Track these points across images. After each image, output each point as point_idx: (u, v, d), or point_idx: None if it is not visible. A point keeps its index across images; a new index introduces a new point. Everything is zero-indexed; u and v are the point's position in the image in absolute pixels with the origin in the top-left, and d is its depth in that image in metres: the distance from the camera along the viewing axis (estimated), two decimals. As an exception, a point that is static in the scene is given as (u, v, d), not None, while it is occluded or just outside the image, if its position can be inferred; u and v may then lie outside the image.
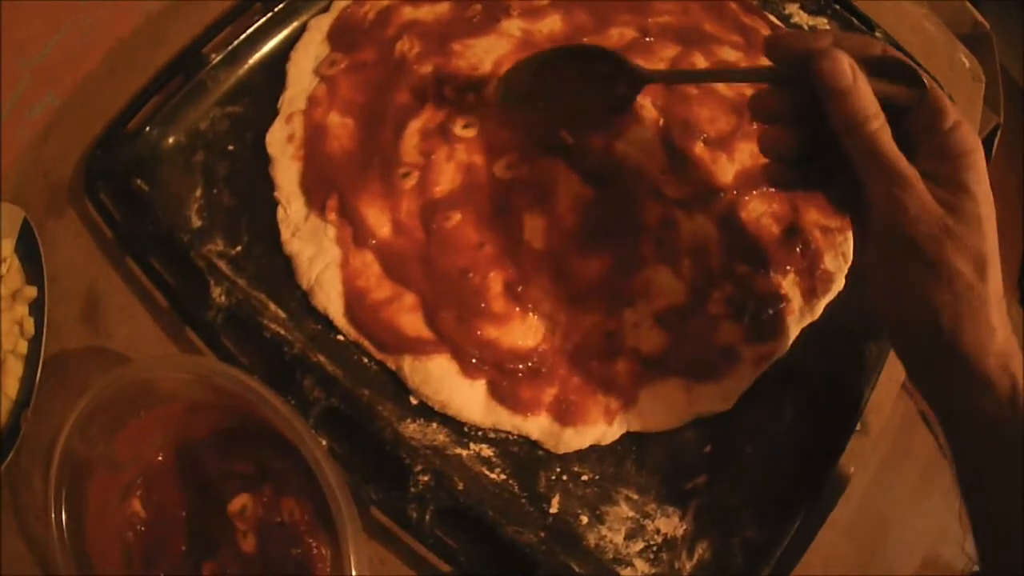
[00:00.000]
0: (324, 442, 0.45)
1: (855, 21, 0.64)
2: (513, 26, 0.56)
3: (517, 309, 0.48)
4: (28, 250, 0.52)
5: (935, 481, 0.76)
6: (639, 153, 0.52)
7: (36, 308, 0.51)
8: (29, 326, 0.50)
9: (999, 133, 0.73)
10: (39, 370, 0.49)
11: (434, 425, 0.47)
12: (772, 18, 0.62)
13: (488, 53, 0.54)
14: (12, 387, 0.48)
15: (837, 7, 0.64)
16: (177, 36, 0.57)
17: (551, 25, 0.56)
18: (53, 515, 0.41)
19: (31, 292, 0.51)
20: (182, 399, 0.46)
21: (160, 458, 0.47)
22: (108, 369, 0.44)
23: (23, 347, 0.49)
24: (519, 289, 0.48)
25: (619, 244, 0.50)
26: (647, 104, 0.54)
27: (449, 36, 0.54)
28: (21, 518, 0.46)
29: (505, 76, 0.51)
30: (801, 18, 0.64)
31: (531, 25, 0.56)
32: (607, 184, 0.51)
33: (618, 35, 0.56)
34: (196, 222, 0.51)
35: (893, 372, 0.52)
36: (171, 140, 0.53)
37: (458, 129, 0.51)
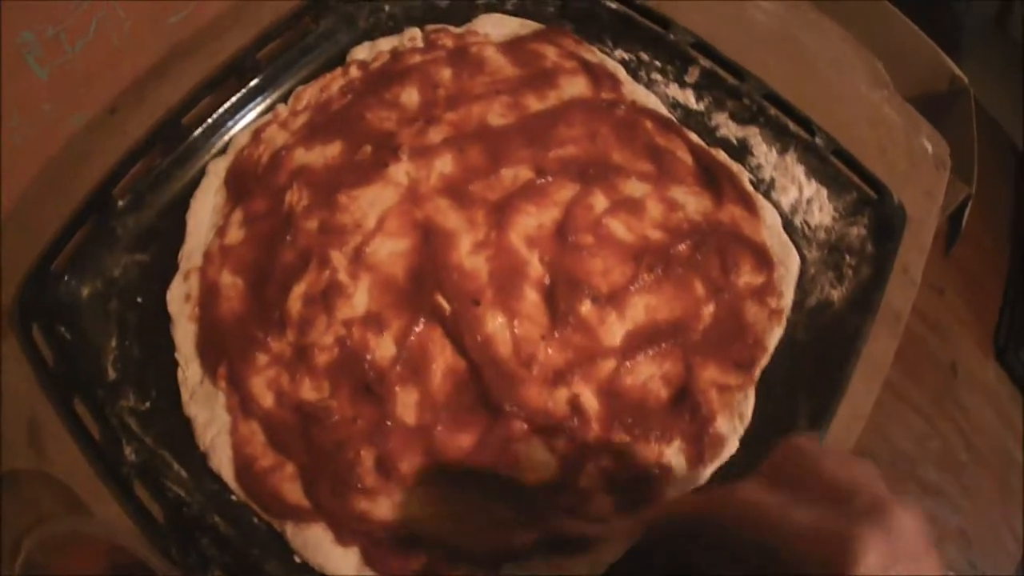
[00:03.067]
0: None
1: (792, 125, 0.59)
2: (400, 172, 0.56)
3: (388, 484, 0.52)
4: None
5: None
6: (519, 319, 0.53)
7: (-8, 427, 0.59)
8: (-13, 444, 0.59)
9: (969, 204, 0.69)
10: (-1, 486, 0.58)
11: (316, 582, 0.53)
12: (692, 136, 0.58)
13: (373, 206, 0.55)
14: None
15: (772, 112, 0.59)
16: (105, 154, 0.60)
17: (441, 167, 0.56)
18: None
19: (-14, 414, 0.59)
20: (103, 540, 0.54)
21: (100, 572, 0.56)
22: (52, 495, 0.54)
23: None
24: (388, 466, 0.52)
25: (491, 418, 0.52)
26: (533, 261, 0.54)
27: (336, 185, 0.55)
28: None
29: None
30: (729, 129, 0.61)
31: (420, 170, 0.56)
32: (482, 354, 0.52)
33: (512, 177, 0.55)
34: (111, 373, 0.57)
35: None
36: (89, 287, 0.58)
37: (339, 302, 0.53)
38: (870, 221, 0.59)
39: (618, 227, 0.56)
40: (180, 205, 0.58)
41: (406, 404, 0.53)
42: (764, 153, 0.61)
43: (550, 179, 0.55)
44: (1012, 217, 1.12)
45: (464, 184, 0.55)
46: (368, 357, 0.53)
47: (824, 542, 0.31)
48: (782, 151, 0.61)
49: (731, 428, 0.53)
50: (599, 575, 0.51)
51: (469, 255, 0.54)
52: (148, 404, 0.56)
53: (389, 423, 0.52)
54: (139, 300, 0.58)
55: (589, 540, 0.52)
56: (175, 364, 0.56)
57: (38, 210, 0.61)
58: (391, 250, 0.54)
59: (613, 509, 0.52)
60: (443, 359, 0.53)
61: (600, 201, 0.55)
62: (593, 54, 0.62)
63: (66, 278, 0.58)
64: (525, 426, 0.52)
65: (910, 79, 0.67)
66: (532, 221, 0.55)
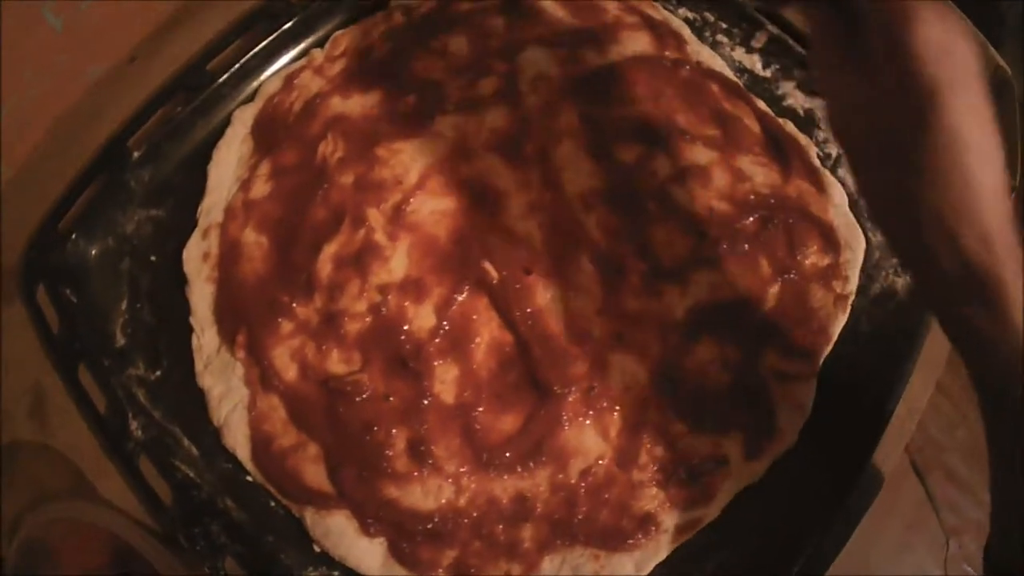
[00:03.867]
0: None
1: None
2: (447, 125, 0.51)
3: (421, 470, 0.47)
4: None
5: (920, 533, 0.75)
6: (573, 291, 0.48)
7: (-9, 398, 0.55)
8: (-15, 416, 0.54)
9: (1013, 196, 0.66)
10: (-2, 456, 0.54)
11: (336, 574, 0.48)
12: (760, 103, 0.54)
13: (415, 161, 0.51)
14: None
15: None
16: (121, 106, 0.56)
17: (492, 121, 0.51)
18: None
19: (-15, 383, 0.54)
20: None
21: (100, 561, 0.52)
22: (54, 471, 0.51)
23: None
24: (422, 448, 0.47)
25: (538, 399, 0.47)
26: (590, 226, 0.49)
27: (375, 137, 0.50)
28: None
29: None
30: (796, 99, 0.57)
31: (468, 124, 0.51)
32: (532, 329, 0.48)
33: (570, 134, 0.51)
34: (120, 339, 0.52)
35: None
36: (98, 246, 0.54)
37: (375, 265, 0.48)
38: None
39: (682, 195, 0.51)
40: (201, 157, 0.54)
41: (444, 381, 0.48)
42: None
43: (610, 139, 0.50)
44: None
45: (517, 141, 0.50)
46: (405, 327, 0.48)
47: None
48: None
49: (791, 421, 0.49)
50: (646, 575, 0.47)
51: (521, 219, 0.50)
52: (159, 373, 0.52)
53: (425, 401, 0.47)
54: (152, 259, 0.54)
55: (635, 539, 0.47)
56: (189, 330, 0.52)
57: (48, 166, 0.57)
58: (434, 209, 0.50)
59: (666, 504, 0.47)
60: (487, 332, 0.48)
61: (664, 166, 0.50)
62: (656, 10, 0.58)
63: (74, 236, 0.53)
64: (578, 405, 0.47)
65: None
66: (591, 183, 0.50)
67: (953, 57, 0.32)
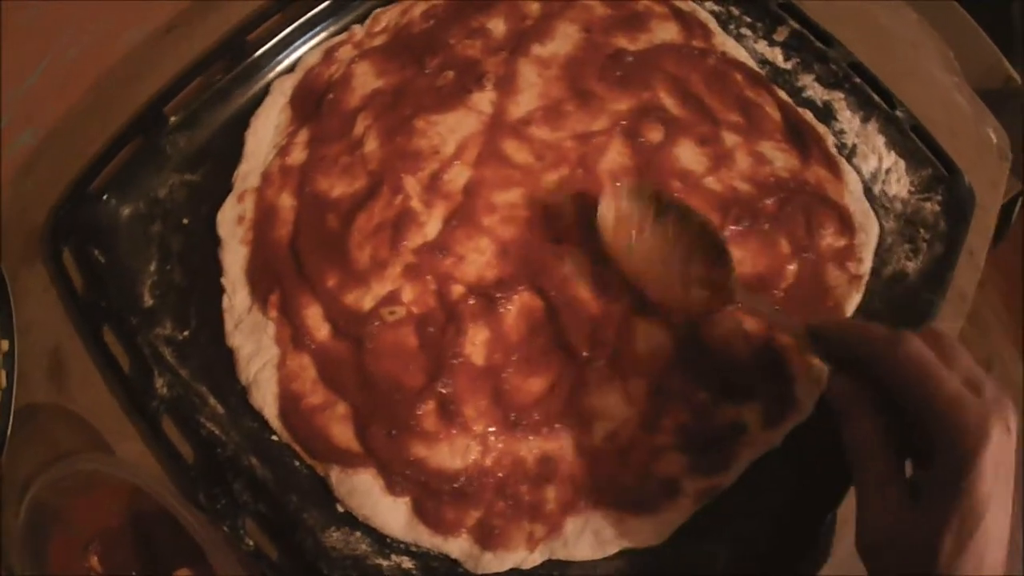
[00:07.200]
0: (251, 541, 0.49)
1: (875, 96, 0.61)
2: (484, 100, 0.54)
3: (449, 429, 0.49)
4: (1, 303, 0.56)
5: None
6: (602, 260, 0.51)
7: (7, 360, 0.55)
8: (1, 378, 0.55)
9: (1021, 200, 0.71)
10: (11, 420, 0.54)
11: (358, 534, 0.49)
12: (781, 93, 0.58)
13: (453, 132, 0.54)
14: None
15: (857, 80, 0.60)
16: (157, 73, 0.59)
17: (528, 99, 0.54)
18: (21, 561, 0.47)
19: (3, 345, 0.55)
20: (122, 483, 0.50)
21: (116, 523, 0.52)
22: (71, 432, 0.52)
23: (-6, 397, 0.54)
24: (452, 408, 0.48)
25: (566, 362, 0.49)
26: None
27: (414, 110, 0.53)
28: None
29: None
30: (815, 91, 0.61)
31: (504, 100, 0.54)
32: (562, 294, 0.50)
33: (601, 114, 0.54)
34: (148, 300, 0.54)
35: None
36: (130, 208, 0.56)
37: (411, 230, 0.51)
38: (943, 199, 0.59)
39: (706, 175, 0.54)
40: (238, 124, 0.56)
41: (475, 343, 0.50)
42: (848, 119, 0.61)
43: (639, 120, 0.54)
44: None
45: (552, 117, 0.53)
46: (437, 289, 0.50)
47: (969, 412, 0.37)
48: (865, 119, 0.62)
49: (808, 392, 0.51)
50: (667, 539, 0.49)
51: (553, 193, 0.52)
52: (187, 333, 0.53)
53: (456, 362, 0.49)
54: (185, 222, 0.55)
55: (657, 502, 0.49)
56: (220, 291, 0.53)
57: (83, 129, 0.59)
58: (469, 180, 0.52)
59: (685, 469, 0.49)
60: (518, 298, 0.50)
61: (689, 147, 0.54)
62: (685, 2, 0.62)
63: (105, 197, 0.55)
64: (602, 371, 0.49)
65: (967, 74, 0.69)
66: (620, 161, 0.54)
67: (1007, 469, 0.37)
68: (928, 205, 0.59)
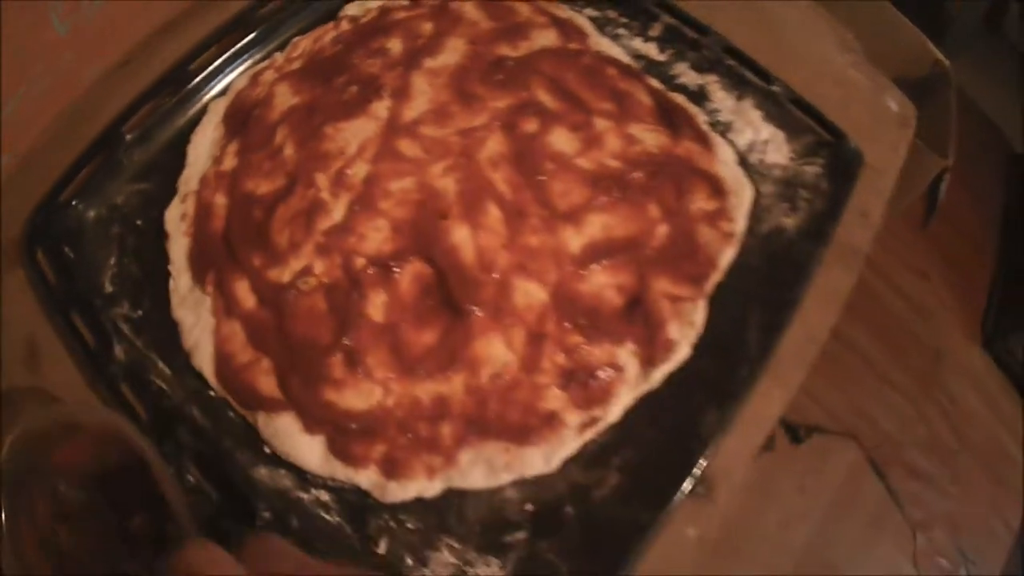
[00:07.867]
0: (192, 478, 0.58)
1: (749, 75, 0.68)
2: (382, 108, 0.65)
3: (355, 376, 0.58)
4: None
5: (885, 527, 0.79)
6: (482, 231, 0.61)
7: (-7, 357, 0.65)
8: (-5, 375, 0.65)
9: (946, 177, 0.75)
10: (-1, 413, 0.64)
11: (282, 471, 0.58)
12: (652, 81, 0.67)
13: (355, 136, 0.64)
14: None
15: (731, 63, 0.68)
16: (116, 98, 0.70)
17: (419, 104, 0.65)
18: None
19: (-6, 344, 0.65)
20: (95, 430, 0.59)
21: (78, 481, 0.61)
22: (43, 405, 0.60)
23: (-20, 384, 0.63)
24: (356, 359, 0.58)
25: (453, 317, 0.59)
26: (497, 182, 0.62)
27: (324, 119, 0.64)
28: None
29: None
30: (689, 78, 0.69)
31: (399, 106, 0.65)
32: (447, 261, 0.60)
33: (482, 113, 0.65)
34: (108, 287, 0.64)
35: (746, 439, 0.57)
36: (94, 212, 0.67)
37: (321, 218, 0.61)
38: (827, 162, 0.64)
39: (578, 157, 0.63)
40: (181, 140, 0.67)
41: (375, 305, 0.60)
42: (722, 99, 0.68)
43: (517, 115, 0.64)
44: (1002, 208, 1.16)
45: (439, 118, 0.64)
46: (343, 263, 0.60)
47: None
48: (740, 98, 0.68)
49: (682, 334, 0.58)
50: (555, 469, 0.56)
51: (439, 178, 0.63)
52: (140, 312, 0.63)
53: (359, 320, 0.59)
54: (139, 223, 0.66)
55: (542, 434, 0.57)
56: (168, 277, 0.64)
57: (51, 151, 0.70)
58: (369, 173, 0.63)
59: (569, 404, 0.57)
60: (411, 266, 0.60)
61: (563, 134, 0.64)
62: (563, 11, 0.72)
63: (74, 203, 0.66)
64: (484, 323, 0.58)
65: (892, 62, 0.72)
66: (499, 150, 0.64)
67: None
68: (810, 169, 0.63)
